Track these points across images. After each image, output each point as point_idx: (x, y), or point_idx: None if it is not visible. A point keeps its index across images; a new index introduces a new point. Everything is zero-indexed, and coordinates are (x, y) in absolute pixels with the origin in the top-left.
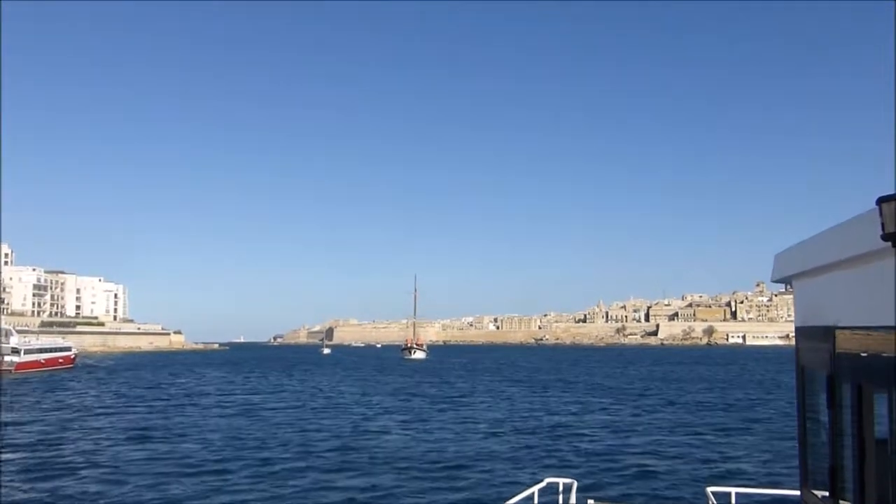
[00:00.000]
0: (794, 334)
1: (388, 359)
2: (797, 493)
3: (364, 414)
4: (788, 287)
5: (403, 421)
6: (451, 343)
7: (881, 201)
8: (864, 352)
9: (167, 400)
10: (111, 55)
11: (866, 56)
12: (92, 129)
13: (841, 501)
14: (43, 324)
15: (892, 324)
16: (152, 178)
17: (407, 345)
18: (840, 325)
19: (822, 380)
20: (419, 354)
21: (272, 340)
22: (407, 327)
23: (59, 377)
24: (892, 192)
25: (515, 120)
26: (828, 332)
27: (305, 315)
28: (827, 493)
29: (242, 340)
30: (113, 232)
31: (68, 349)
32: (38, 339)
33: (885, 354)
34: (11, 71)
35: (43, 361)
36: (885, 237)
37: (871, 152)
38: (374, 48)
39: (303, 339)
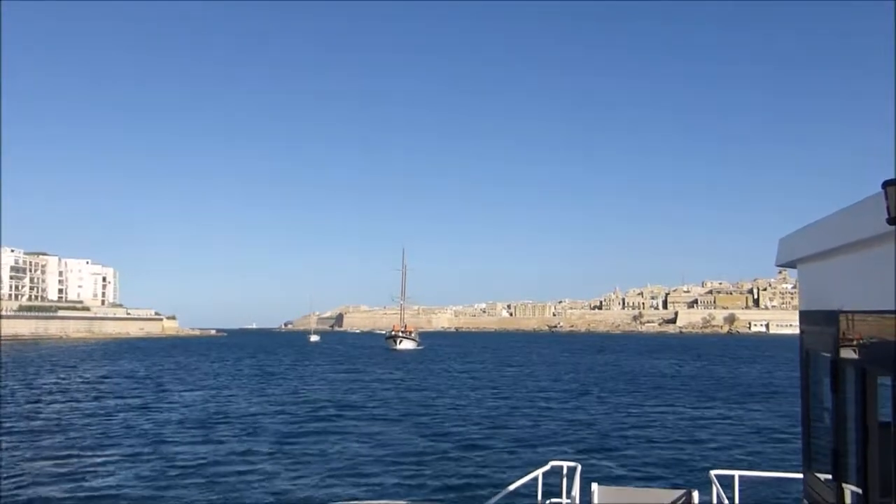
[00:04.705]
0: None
1: (374, 348)
2: (800, 475)
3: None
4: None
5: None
6: (464, 330)
7: (887, 185)
8: (867, 336)
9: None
10: (104, 41)
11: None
12: (91, 113)
13: (844, 484)
14: (21, 308)
15: None
16: (161, 167)
17: (392, 332)
18: (844, 309)
19: (826, 363)
20: (407, 344)
21: (283, 327)
22: (418, 314)
23: None
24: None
25: (527, 110)
26: (832, 316)
27: (320, 302)
28: (830, 476)
29: (255, 327)
30: (127, 218)
31: None
32: None
33: (888, 339)
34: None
35: None
36: (890, 221)
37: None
38: (378, 43)
39: (313, 325)
